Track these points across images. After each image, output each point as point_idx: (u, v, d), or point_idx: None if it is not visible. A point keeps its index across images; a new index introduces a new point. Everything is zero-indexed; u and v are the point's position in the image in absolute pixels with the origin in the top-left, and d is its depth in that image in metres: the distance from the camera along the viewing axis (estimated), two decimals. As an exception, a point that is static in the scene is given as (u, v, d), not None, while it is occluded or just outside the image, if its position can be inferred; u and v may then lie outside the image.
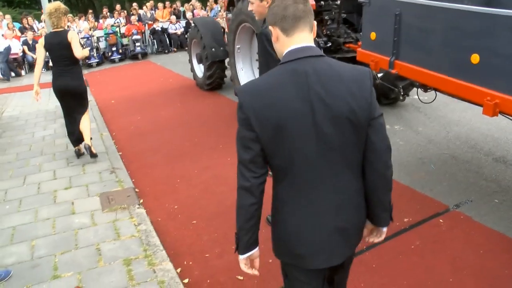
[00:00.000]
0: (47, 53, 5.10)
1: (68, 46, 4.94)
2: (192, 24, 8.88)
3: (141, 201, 4.36)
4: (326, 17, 5.63)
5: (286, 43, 1.59)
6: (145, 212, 4.11)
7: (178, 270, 3.26)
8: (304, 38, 1.58)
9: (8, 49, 12.33)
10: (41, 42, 5.09)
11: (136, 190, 4.62)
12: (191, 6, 16.18)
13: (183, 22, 15.33)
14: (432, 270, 3.09)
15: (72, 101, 5.21)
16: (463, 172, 4.55)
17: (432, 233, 3.52)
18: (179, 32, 14.95)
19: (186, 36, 14.94)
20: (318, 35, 5.52)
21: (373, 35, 3.95)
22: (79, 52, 4.97)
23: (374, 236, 1.90)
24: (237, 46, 6.37)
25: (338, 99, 1.52)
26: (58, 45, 4.96)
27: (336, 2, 5.56)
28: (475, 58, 3.08)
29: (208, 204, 4.26)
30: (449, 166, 4.69)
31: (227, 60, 8.08)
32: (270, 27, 1.63)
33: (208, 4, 16.87)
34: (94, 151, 5.34)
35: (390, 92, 6.26)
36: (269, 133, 1.54)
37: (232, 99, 7.95)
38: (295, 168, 1.60)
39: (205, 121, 6.93)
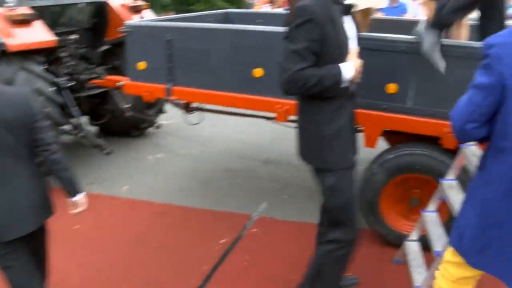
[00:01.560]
0: None
1: None
2: None
3: None
4: (63, 54, 5.06)
5: None
6: None
7: None
8: None
9: None
10: None
11: None
12: None
13: None
14: (278, 277, 3.19)
15: None
16: (245, 180, 4.83)
17: (255, 244, 3.61)
18: None
19: None
20: (57, 75, 4.91)
21: (141, 65, 3.75)
22: None
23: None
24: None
25: (7, 112, 2.13)
26: None
27: (71, 37, 5.06)
28: (258, 72, 3.31)
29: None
30: (230, 179, 4.90)
31: None
32: None
33: None
34: None
35: (140, 122, 6.12)
36: None
37: None
38: None
39: None
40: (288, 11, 2.92)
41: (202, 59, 3.48)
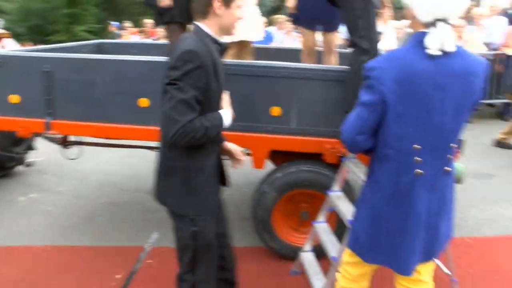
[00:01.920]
0: None
1: None
2: None
3: None
4: None
5: None
6: None
7: None
8: None
9: None
10: None
11: None
12: None
13: None
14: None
15: None
16: (131, 212, 4.69)
17: (152, 274, 3.56)
18: None
19: None
20: None
21: (14, 98, 3.47)
22: None
23: None
24: None
25: None
26: None
27: None
28: (143, 102, 3.31)
29: None
30: (115, 213, 4.71)
31: None
32: None
33: None
34: None
35: (6, 161, 5.60)
36: None
37: None
38: None
39: None
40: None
41: (85, 91, 3.35)
